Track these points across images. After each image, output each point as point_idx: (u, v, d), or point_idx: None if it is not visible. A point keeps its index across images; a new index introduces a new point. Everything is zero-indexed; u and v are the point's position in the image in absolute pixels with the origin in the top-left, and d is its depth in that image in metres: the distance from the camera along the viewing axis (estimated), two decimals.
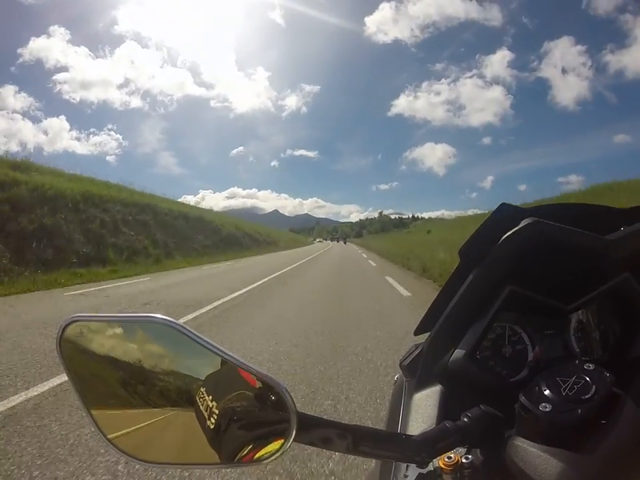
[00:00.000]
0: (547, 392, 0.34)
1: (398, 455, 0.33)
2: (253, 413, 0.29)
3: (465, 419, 0.35)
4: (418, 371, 0.50)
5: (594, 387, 0.33)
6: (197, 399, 0.29)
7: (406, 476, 0.37)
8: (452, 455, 0.35)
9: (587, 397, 0.33)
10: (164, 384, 0.30)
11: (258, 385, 0.28)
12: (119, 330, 0.32)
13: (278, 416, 0.28)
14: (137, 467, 1.46)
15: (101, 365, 0.32)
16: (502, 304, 0.45)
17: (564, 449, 0.31)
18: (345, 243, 58.37)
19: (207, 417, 0.29)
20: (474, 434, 0.34)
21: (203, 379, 0.30)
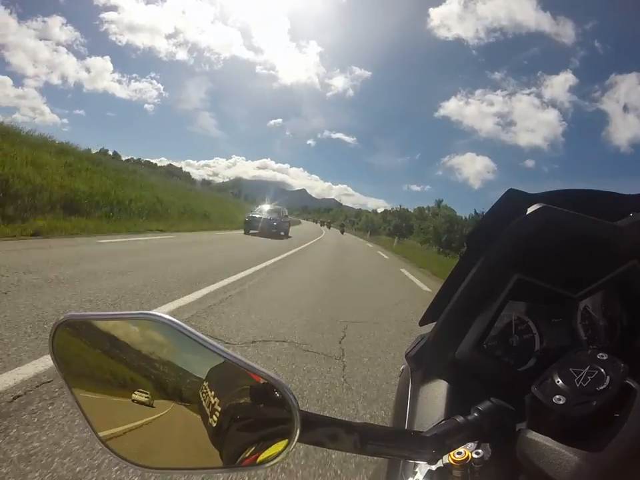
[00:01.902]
0: (560, 383, 0.33)
1: (407, 453, 0.33)
2: (256, 412, 0.29)
3: (476, 414, 0.34)
4: (424, 362, 0.49)
5: (608, 377, 0.32)
6: (200, 394, 0.29)
7: (415, 472, 0.37)
8: (462, 450, 0.35)
9: (601, 388, 0.32)
10: (163, 382, 0.30)
11: (262, 381, 0.28)
12: (114, 328, 0.31)
13: (282, 415, 0.27)
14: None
15: (96, 365, 0.31)
16: (509, 293, 0.44)
17: (578, 442, 0.31)
18: (342, 232, 40.13)
19: (209, 413, 0.28)
20: (485, 428, 0.33)
21: (206, 373, 0.29)
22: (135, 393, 0.30)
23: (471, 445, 0.36)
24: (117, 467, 1.35)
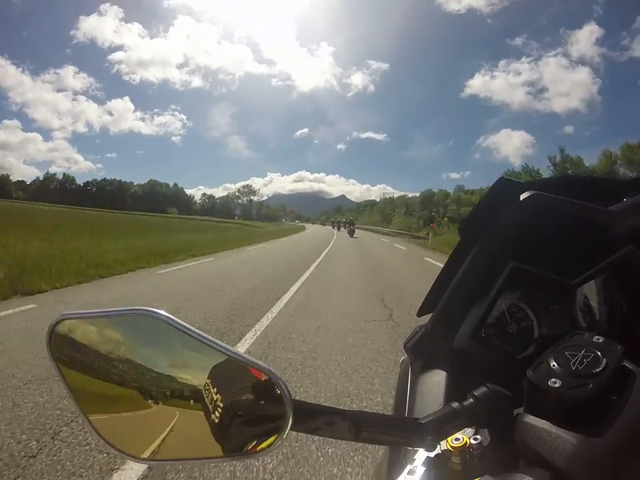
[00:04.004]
0: (555, 367, 0.35)
1: (403, 439, 0.35)
2: (257, 408, 0.32)
3: (472, 399, 0.36)
4: (423, 352, 0.54)
5: (604, 360, 0.34)
6: (203, 391, 0.31)
7: (414, 460, 0.39)
8: (460, 437, 0.37)
9: (597, 370, 0.33)
10: (164, 380, 0.32)
11: (263, 377, 0.31)
12: (112, 325, 0.33)
13: (281, 409, 0.30)
14: None
15: (95, 364, 0.33)
16: (505, 280, 0.48)
17: (576, 425, 0.32)
18: (351, 234, 31.74)
19: (211, 410, 0.31)
20: (481, 414, 0.35)
21: (209, 371, 0.32)
22: (135, 392, 0.32)
23: (468, 431, 0.38)
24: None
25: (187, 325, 0.31)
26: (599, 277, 0.48)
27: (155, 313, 0.31)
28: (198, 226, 31.59)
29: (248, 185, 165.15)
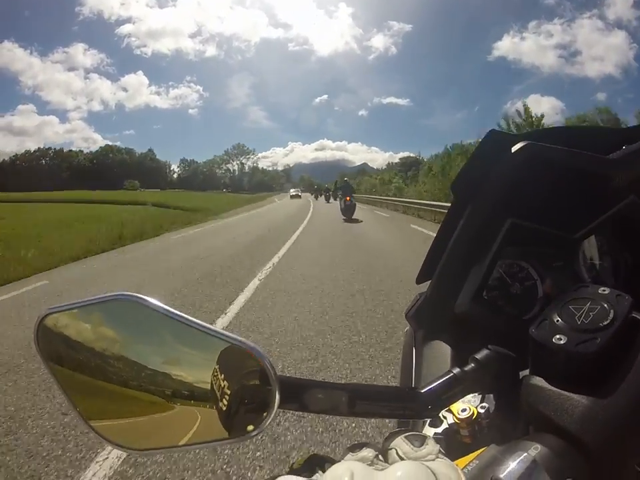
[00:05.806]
0: (559, 322, 0.34)
1: (400, 411, 0.33)
2: (260, 391, 0.30)
3: (473, 364, 0.35)
4: (424, 320, 0.54)
5: (612, 311, 0.33)
6: (212, 378, 0.31)
7: None
8: (466, 407, 0.37)
9: (605, 323, 0.32)
10: (162, 376, 0.30)
11: (261, 362, 0.30)
12: (96, 315, 0.32)
13: (268, 388, 0.29)
14: None
15: (86, 357, 0.32)
16: (504, 239, 0.48)
17: (585, 385, 0.31)
18: (348, 213, 16.75)
19: (219, 397, 0.30)
20: (485, 378, 0.35)
21: (217, 356, 0.31)
22: (133, 382, 0.31)
23: (475, 400, 0.39)
24: None
25: (169, 308, 0.30)
26: (602, 229, 0.48)
27: (137, 297, 0.30)
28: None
29: (240, 144, 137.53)
